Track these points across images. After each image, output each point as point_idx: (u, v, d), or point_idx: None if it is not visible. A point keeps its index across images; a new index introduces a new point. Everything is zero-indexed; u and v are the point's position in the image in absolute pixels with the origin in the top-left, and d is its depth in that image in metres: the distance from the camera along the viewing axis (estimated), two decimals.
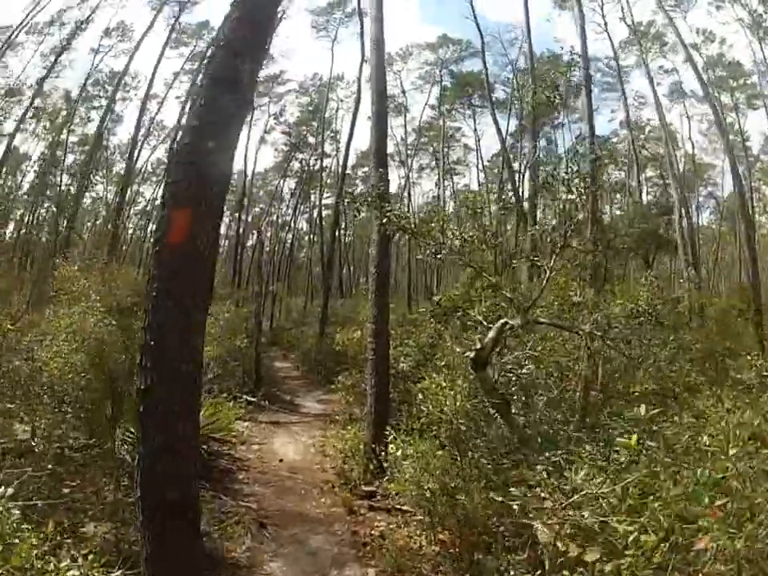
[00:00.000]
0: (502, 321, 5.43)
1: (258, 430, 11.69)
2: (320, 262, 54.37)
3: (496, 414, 4.89)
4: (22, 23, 25.52)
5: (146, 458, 3.38)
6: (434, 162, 45.08)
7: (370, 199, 7.02)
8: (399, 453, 5.22)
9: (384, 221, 6.71)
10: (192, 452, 3.59)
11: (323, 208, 44.60)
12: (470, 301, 8.58)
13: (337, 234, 30.56)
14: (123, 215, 29.61)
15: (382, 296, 9.08)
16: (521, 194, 33.13)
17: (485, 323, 5.73)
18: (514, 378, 5.44)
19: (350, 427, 10.19)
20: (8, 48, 25.82)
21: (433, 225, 6.01)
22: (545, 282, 5.33)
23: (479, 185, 39.89)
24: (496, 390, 4.99)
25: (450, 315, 10.85)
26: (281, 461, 9.39)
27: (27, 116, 27.68)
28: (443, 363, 6.35)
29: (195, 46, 30.01)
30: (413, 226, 6.32)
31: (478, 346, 5.31)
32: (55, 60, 25.95)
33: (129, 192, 30.90)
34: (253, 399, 13.72)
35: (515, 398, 5.43)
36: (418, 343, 9.97)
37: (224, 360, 13.65)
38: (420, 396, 5.76)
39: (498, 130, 31.59)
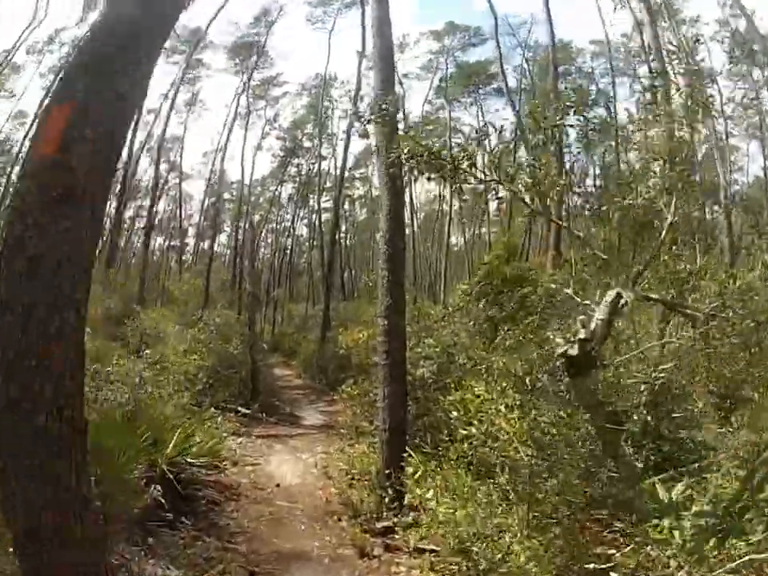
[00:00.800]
0: (613, 292, 3.60)
1: (252, 447, 10.34)
2: (321, 266, 53.64)
3: (591, 442, 3.33)
4: (19, 41, 24.57)
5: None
6: None
7: (374, 116, 5.47)
8: (426, 488, 3.84)
9: (393, 156, 4.89)
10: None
11: (322, 212, 43.61)
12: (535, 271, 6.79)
13: (337, 236, 29.24)
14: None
15: (396, 280, 7.06)
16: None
17: (579, 299, 3.90)
18: (642, 386, 3.73)
19: (357, 444, 8.83)
20: (10, 70, 24.99)
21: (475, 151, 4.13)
22: (661, 237, 3.74)
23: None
24: (604, 406, 3.38)
25: (503, 293, 8.79)
26: (277, 485, 8.03)
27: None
28: (484, 367, 4.71)
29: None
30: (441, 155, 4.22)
31: (582, 334, 3.52)
32: (54, 79, 24.80)
33: None
34: (248, 411, 12.40)
35: (634, 416, 3.74)
36: (439, 342, 8.24)
37: (216, 369, 12.34)
38: (454, 412, 4.26)
39: (518, 117, 30.19)
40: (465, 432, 3.81)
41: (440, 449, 4.38)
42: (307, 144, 38.71)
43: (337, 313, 22.00)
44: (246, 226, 43.56)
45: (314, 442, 10.97)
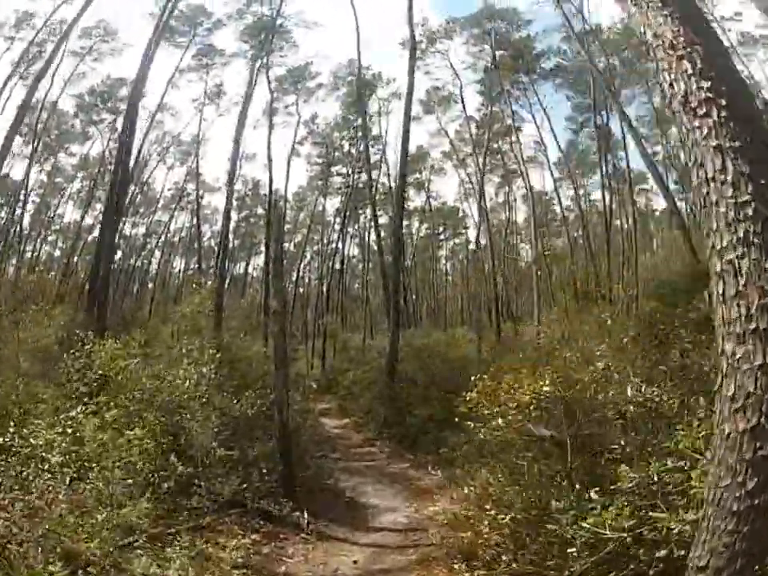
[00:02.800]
0: None
1: None
2: (384, 289, 47.71)
3: None
4: None
5: None
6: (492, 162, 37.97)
7: None
8: None
9: None
10: None
11: (376, 228, 38.74)
12: None
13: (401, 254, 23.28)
14: None
15: None
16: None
17: None
18: None
19: None
20: None
21: None
22: None
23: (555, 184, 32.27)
24: None
25: None
26: None
27: None
28: None
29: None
30: None
31: None
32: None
33: None
34: (277, 511, 7.06)
35: None
36: None
37: (221, 437, 7.13)
38: None
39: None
40: None
41: None
42: (351, 149, 34.10)
43: (407, 341, 16.54)
44: (289, 247, 39.32)
45: None
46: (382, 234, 31.72)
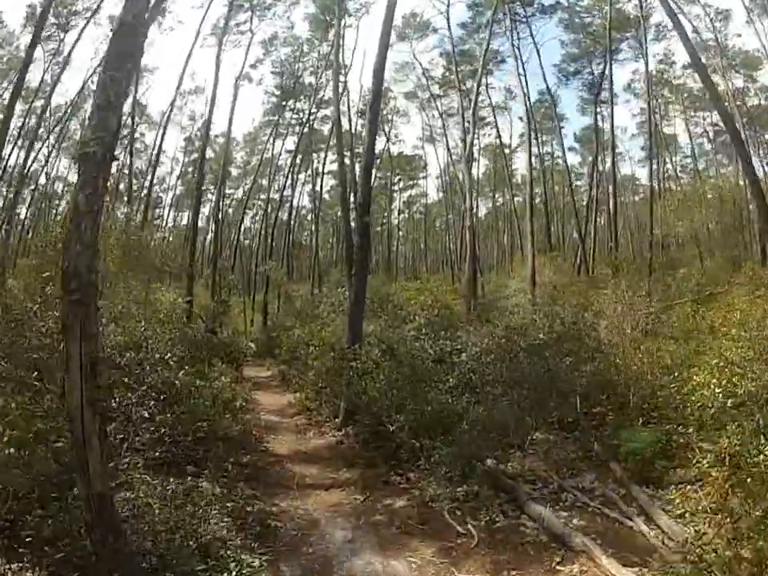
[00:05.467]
0: None
1: None
2: (328, 239, 44.62)
3: None
4: None
5: None
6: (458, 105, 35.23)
7: None
8: None
9: None
10: None
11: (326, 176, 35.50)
12: None
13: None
14: None
15: None
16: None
17: None
18: None
19: None
20: None
21: None
22: None
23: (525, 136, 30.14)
24: None
25: None
26: None
27: None
28: None
29: None
30: None
31: None
32: None
33: None
34: None
35: None
36: None
37: None
38: None
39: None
40: None
41: None
42: (310, 80, 30.25)
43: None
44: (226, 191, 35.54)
45: None
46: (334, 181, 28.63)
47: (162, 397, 6.51)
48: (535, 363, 7.76)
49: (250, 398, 10.57)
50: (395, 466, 6.77)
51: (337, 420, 9.08)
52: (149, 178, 26.78)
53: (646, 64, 24.16)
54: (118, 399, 6.11)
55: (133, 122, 24.01)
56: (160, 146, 26.83)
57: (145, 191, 26.61)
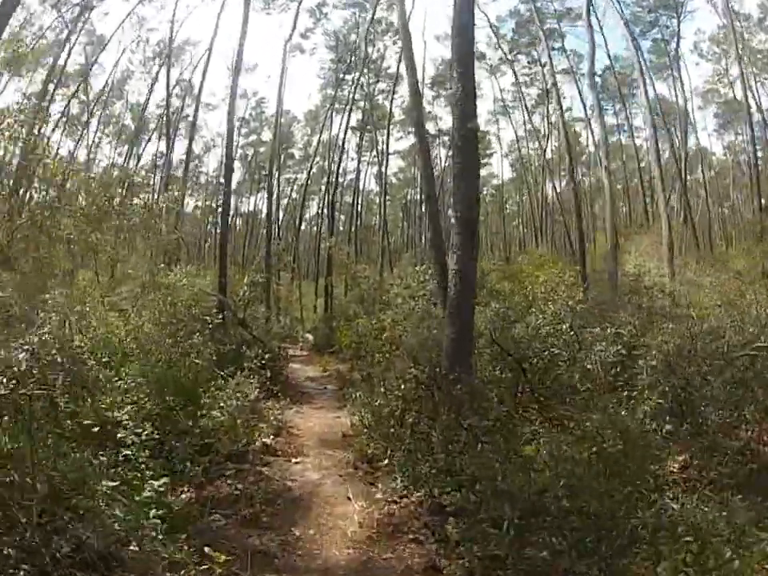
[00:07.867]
0: None
1: None
2: (406, 222, 42.44)
3: None
4: None
5: None
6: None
7: None
8: None
9: None
10: None
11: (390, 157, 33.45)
12: None
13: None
14: None
15: None
16: None
17: None
18: None
19: None
20: None
21: None
22: None
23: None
24: None
25: None
26: None
27: None
28: None
29: None
30: None
31: None
32: None
33: None
34: None
35: None
36: None
37: None
38: None
39: None
40: None
41: None
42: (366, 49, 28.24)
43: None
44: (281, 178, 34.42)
45: None
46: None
47: None
48: None
49: (282, 423, 7.61)
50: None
51: (423, 505, 4.71)
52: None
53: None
54: None
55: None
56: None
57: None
